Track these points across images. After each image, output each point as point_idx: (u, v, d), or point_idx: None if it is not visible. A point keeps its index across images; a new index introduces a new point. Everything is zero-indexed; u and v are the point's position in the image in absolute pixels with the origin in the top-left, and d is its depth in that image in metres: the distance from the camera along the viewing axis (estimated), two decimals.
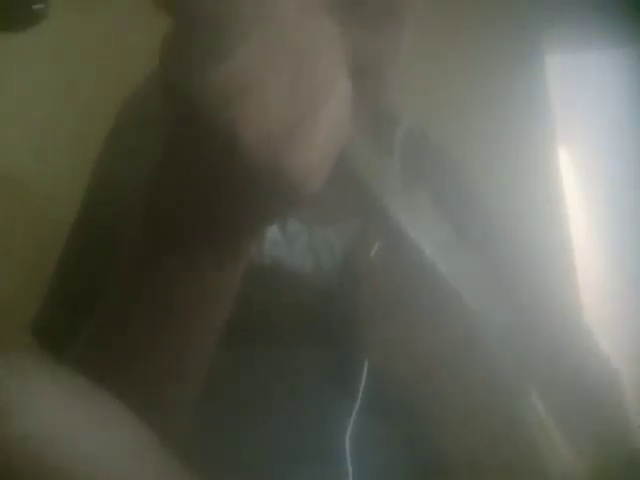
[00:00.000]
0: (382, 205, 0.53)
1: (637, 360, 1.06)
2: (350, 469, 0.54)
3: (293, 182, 0.33)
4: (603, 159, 1.21)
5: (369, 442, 0.56)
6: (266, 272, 0.60)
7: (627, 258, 1.19)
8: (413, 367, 0.57)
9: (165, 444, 0.35)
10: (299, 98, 0.32)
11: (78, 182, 0.68)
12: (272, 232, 0.62)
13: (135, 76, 0.68)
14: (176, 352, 0.41)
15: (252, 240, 0.38)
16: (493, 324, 0.58)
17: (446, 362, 0.57)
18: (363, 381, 0.56)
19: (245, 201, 0.35)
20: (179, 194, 0.36)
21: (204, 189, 0.35)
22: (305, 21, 0.33)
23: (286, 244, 0.62)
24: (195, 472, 0.37)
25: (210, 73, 0.31)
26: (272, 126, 0.32)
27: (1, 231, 0.86)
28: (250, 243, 0.38)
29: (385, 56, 0.59)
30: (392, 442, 0.57)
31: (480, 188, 0.78)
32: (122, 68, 0.87)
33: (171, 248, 0.37)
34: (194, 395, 0.43)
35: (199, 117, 0.32)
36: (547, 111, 1.16)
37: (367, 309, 0.58)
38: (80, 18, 0.87)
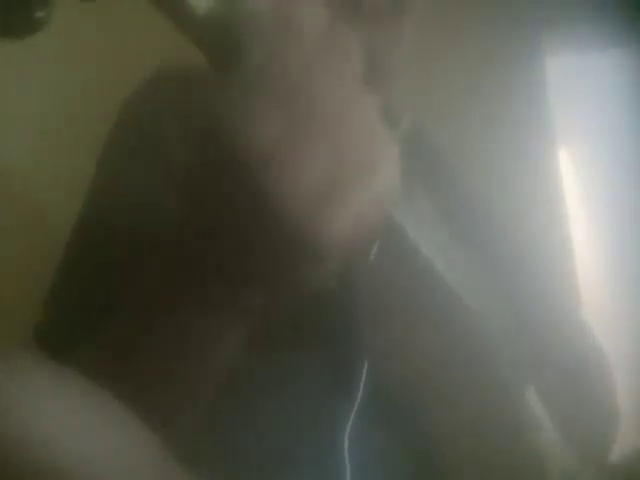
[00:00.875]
0: None
1: (637, 359, 1.06)
2: (348, 470, 0.54)
3: (324, 248, 0.33)
4: (603, 159, 1.21)
5: (368, 443, 0.56)
6: None
7: (627, 258, 1.19)
8: (412, 367, 0.57)
9: (166, 445, 0.35)
10: (340, 164, 0.32)
11: (78, 184, 0.67)
12: None
13: (135, 76, 0.68)
14: (189, 383, 0.41)
15: (270, 294, 0.38)
16: (493, 324, 0.58)
17: (445, 362, 0.57)
18: (362, 382, 0.56)
19: (271, 256, 0.34)
20: (204, 243, 0.36)
21: (229, 241, 0.35)
22: (339, 88, 0.33)
23: None
24: (194, 473, 0.37)
25: (254, 130, 0.32)
26: (311, 188, 0.32)
27: (1, 231, 0.86)
28: (268, 296, 0.38)
29: (384, 54, 0.59)
30: (391, 443, 0.57)
31: (480, 188, 0.78)
32: (122, 68, 0.87)
33: (189, 296, 0.37)
34: (200, 406, 0.43)
35: (241, 170, 0.32)
36: (547, 111, 1.16)
37: (367, 309, 0.58)
38: (80, 18, 0.87)
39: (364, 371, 0.56)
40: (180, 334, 0.39)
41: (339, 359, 0.57)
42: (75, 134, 0.89)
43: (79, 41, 0.89)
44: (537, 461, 0.58)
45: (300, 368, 0.58)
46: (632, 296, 1.17)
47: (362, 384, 0.55)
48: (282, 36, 0.33)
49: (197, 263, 0.37)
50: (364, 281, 0.59)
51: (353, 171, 0.33)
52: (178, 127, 0.60)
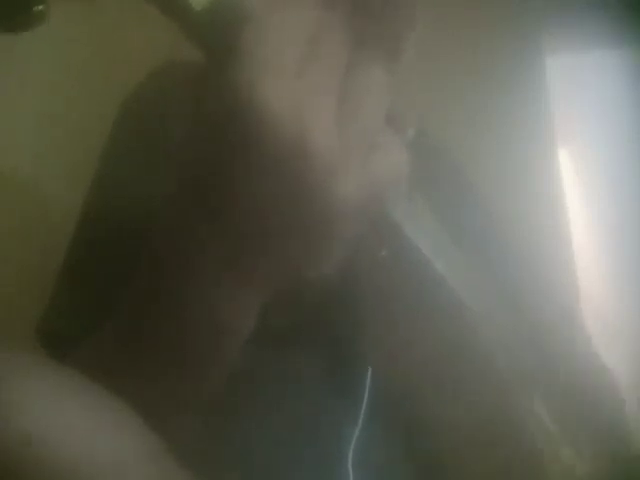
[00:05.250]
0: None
1: (637, 359, 1.06)
2: (352, 478, 0.54)
3: (339, 210, 0.34)
4: (603, 159, 1.21)
5: (371, 454, 0.55)
6: None
7: (628, 258, 1.19)
8: (415, 369, 0.57)
9: (166, 445, 0.35)
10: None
11: (79, 183, 0.68)
12: None
13: (135, 72, 0.68)
14: (190, 383, 0.41)
15: (268, 272, 0.38)
16: (494, 325, 0.58)
17: (447, 364, 0.57)
18: (367, 386, 0.55)
19: (288, 227, 0.35)
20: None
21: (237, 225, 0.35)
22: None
23: None
24: (196, 475, 0.37)
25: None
26: (327, 152, 0.33)
27: (1, 232, 0.86)
28: (266, 275, 0.38)
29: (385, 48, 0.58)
30: (394, 454, 0.57)
31: (480, 188, 0.78)
32: (122, 68, 0.87)
33: (186, 278, 0.37)
34: (201, 408, 0.43)
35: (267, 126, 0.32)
36: (547, 111, 1.16)
37: (369, 311, 0.58)
38: (80, 18, 0.87)
39: (368, 375, 0.55)
40: (182, 333, 0.39)
41: (343, 365, 0.57)
42: (75, 132, 0.89)
43: (79, 37, 0.89)
44: (538, 463, 0.58)
45: (302, 370, 0.58)
46: (632, 295, 1.17)
47: (367, 389, 0.55)
48: (277, 34, 0.33)
49: (202, 255, 0.37)
50: (366, 282, 0.59)
51: (360, 147, 0.34)
52: (180, 122, 0.60)
